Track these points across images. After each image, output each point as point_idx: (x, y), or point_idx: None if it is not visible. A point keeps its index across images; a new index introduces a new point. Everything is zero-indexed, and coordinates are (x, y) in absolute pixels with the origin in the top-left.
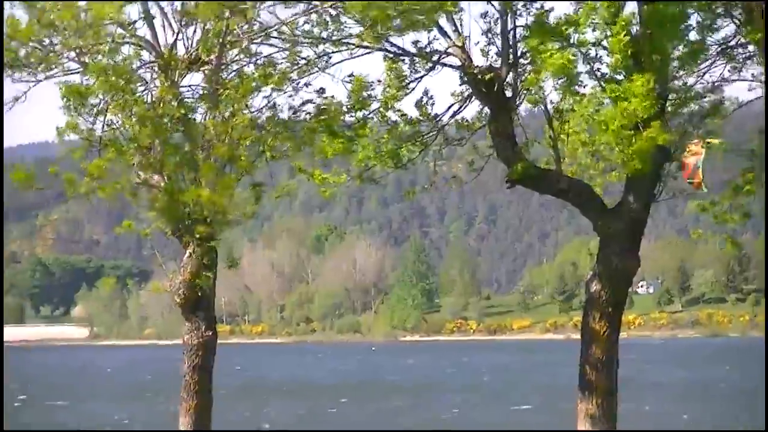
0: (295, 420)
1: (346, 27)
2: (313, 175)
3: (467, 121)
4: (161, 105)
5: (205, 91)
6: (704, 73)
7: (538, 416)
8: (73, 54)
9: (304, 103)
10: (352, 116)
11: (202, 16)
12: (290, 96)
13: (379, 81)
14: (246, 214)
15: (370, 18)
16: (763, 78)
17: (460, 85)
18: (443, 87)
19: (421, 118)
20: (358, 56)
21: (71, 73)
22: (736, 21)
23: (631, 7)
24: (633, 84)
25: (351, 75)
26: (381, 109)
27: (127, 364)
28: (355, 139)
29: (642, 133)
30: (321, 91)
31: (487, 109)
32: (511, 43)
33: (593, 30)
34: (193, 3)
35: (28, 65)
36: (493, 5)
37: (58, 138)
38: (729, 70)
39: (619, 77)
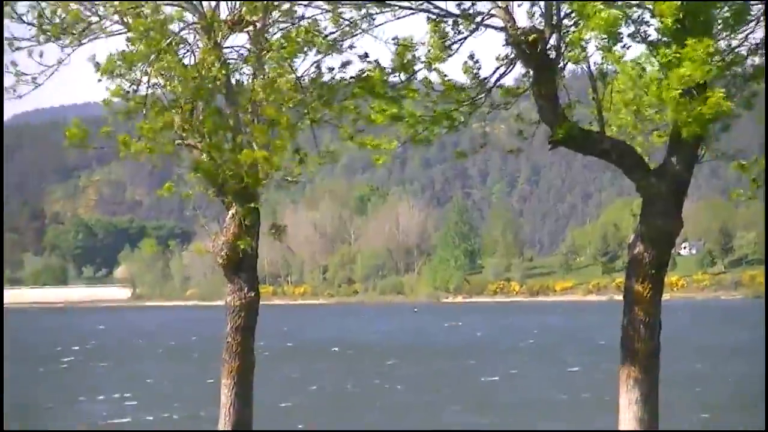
0: (342, 382)
1: None
2: (364, 142)
3: (511, 86)
4: (204, 67)
5: (250, 53)
6: (747, 35)
7: (588, 377)
8: (116, 17)
9: (344, 65)
10: (395, 77)
11: None
12: (332, 58)
13: (423, 43)
14: (293, 177)
15: None
16: None
17: (504, 46)
18: (486, 49)
19: (467, 81)
20: (401, 17)
21: (114, 35)
22: None
23: None
24: (691, 49)
25: (396, 37)
26: (425, 71)
27: (170, 325)
28: (400, 102)
29: (697, 98)
30: (365, 56)
31: (530, 72)
32: (554, 3)
33: None
34: None
35: (72, 30)
36: None
37: (105, 105)
38: None
39: (668, 42)
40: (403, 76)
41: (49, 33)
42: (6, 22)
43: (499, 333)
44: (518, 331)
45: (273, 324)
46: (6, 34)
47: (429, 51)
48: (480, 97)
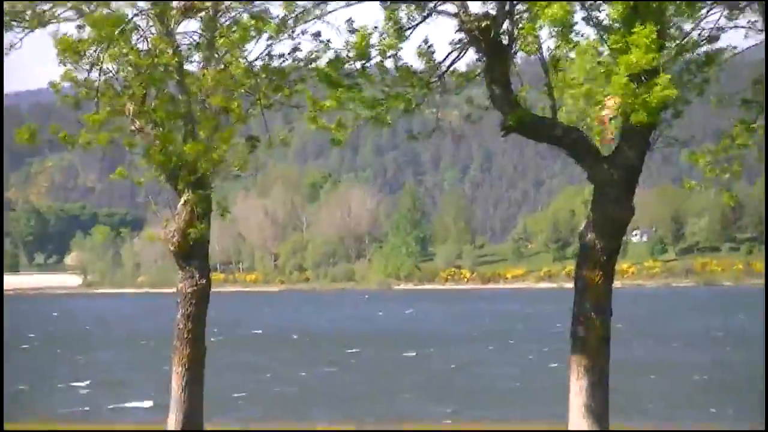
0: (296, 370)
1: None
2: (325, 125)
3: (463, 72)
4: (156, 54)
5: (201, 40)
6: (700, 21)
7: (541, 365)
8: (69, 4)
9: (294, 50)
10: (351, 65)
11: None
12: (279, 43)
13: (376, 28)
14: (241, 167)
15: None
16: (759, 26)
17: (456, 32)
18: (439, 35)
19: (421, 65)
20: (353, 4)
21: (67, 21)
22: None
23: None
24: (637, 35)
25: (350, 20)
26: (380, 57)
27: (122, 313)
28: (355, 88)
29: (645, 84)
30: (317, 34)
31: (483, 58)
32: None
33: None
34: None
35: (24, 17)
36: None
37: (54, 90)
38: (725, 17)
39: (618, 27)
40: (358, 64)
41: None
42: None
43: (452, 320)
44: (473, 318)
45: (226, 311)
46: None
47: (384, 38)
48: (433, 81)
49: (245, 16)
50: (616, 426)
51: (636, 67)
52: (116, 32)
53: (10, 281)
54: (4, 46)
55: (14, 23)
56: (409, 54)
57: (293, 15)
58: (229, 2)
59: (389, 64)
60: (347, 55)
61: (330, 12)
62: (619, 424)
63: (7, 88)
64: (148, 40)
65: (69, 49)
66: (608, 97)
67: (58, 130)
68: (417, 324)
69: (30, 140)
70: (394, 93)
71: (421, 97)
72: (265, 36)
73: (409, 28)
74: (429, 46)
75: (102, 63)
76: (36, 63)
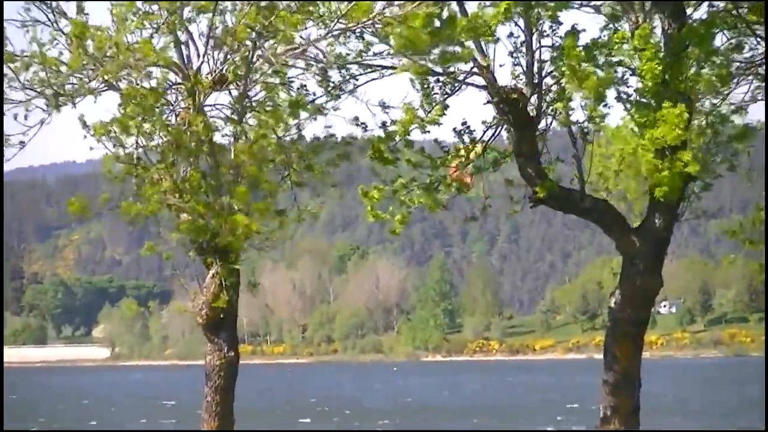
0: None
1: (372, 47)
2: (379, 216)
3: (500, 151)
4: (188, 128)
5: (232, 113)
6: (728, 94)
7: None
8: (101, 79)
9: (330, 136)
10: (393, 143)
11: (239, 35)
12: (313, 121)
13: (406, 104)
14: (274, 239)
15: (410, 50)
16: None
17: (485, 104)
18: (464, 108)
19: (457, 142)
20: (384, 77)
21: (100, 90)
22: (761, 38)
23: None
24: (666, 111)
25: (383, 103)
26: (419, 130)
27: (151, 386)
28: (394, 163)
29: (669, 159)
30: (355, 119)
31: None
32: (536, 63)
33: (622, 52)
34: (226, 26)
35: (61, 90)
36: (519, 26)
37: (105, 169)
38: (754, 90)
39: (647, 102)
40: (398, 139)
41: (38, 92)
42: None
43: (484, 391)
44: (514, 388)
45: (252, 383)
46: None
47: (425, 112)
48: (473, 160)
49: (281, 94)
50: None
51: (661, 143)
52: (154, 106)
53: (38, 353)
54: (35, 123)
55: (44, 101)
56: (440, 131)
57: (327, 91)
58: (258, 76)
59: (421, 139)
60: (388, 132)
61: (359, 86)
62: None
63: (35, 161)
64: (177, 114)
65: (105, 131)
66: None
67: (108, 202)
68: (463, 395)
69: (83, 211)
70: (444, 177)
71: (469, 177)
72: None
73: (440, 102)
74: (467, 126)
75: (138, 137)
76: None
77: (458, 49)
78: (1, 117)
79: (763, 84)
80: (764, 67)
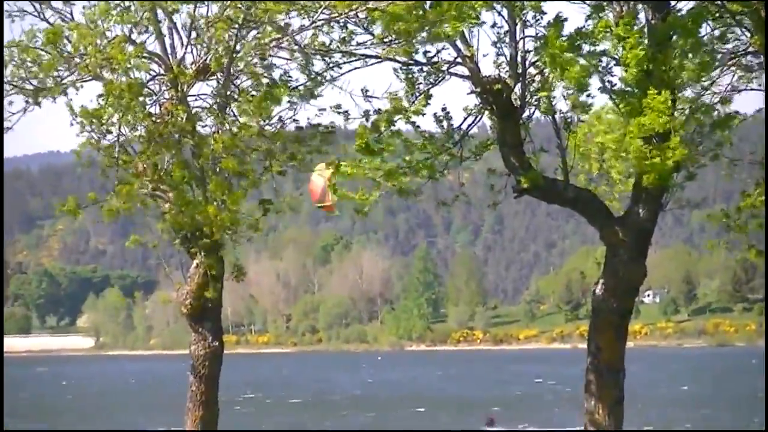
0: None
1: (355, 36)
2: (349, 196)
3: (482, 140)
4: (170, 119)
5: (214, 103)
6: (712, 83)
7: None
8: (83, 73)
9: (314, 125)
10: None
11: (219, 30)
12: (297, 109)
13: (390, 93)
14: (257, 229)
15: (395, 31)
16: None
17: (468, 94)
18: (453, 98)
19: (438, 130)
20: (368, 66)
21: (81, 82)
22: (746, 29)
23: (642, 21)
24: (652, 99)
25: (365, 90)
26: (403, 120)
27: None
28: (381, 155)
29: (657, 147)
30: (337, 106)
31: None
32: (519, 53)
33: (606, 41)
34: (209, 17)
35: (41, 88)
36: (502, 16)
37: (77, 157)
38: (737, 80)
39: (632, 91)
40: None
41: (20, 86)
42: None
43: (475, 383)
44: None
45: (236, 373)
46: None
47: (409, 103)
48: (451, 147)
49: (264, 81)
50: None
51: (649, 130)
52: (132, 101)
53: (22, 343)
54: (16, 110)
55: (26, 89)
56: (422, 119)
57: (310, 78)
58: (242, 66)
59: (404, 128)
60: (374, 123)
61: (343, 74)
62: None
63: (18, 152)
64: (160, 105)
65: (89, 118)
66: (323, 163)
67: (96, 200)
68: (444, 387)
69: (74, 212)
70: (416, 161)
71: (443, 164)
72: (281, 100)
73: (426, 91)
74: (447, 113)
75: (120, 128)
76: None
77: (447, 27)
78: (1, 112)
79: (747, 74)
80: (754, 57)
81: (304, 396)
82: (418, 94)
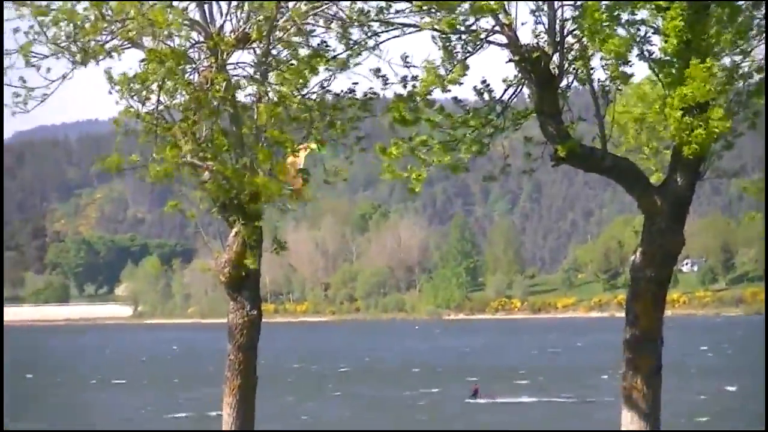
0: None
1: (393, 4)
2: (399, 174)
3: (521, 110)
4: (210, 88)
5: (255, 72)
6: (750, 51)
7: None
8: (123, 38)
9: (350, 91)
10: (414, 103)
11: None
12: (335, 78)
13: (428, 62)
14: (294, 200)
15: (440, 2)
16: None
17: (506, 63)
18: (483, 68)
19: (478, 102)
20: (406, 34)
21: (122, 48)
22: None
23: None
24: (694, 68)
25: (405, 56)
26: (440, 89)
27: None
28: (416, 124)
29: (698, 117)
30: (377, 70)
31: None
32: (557, 21)
33: (646, 9)
34: None
35: (86, 48)
36: None
37: (117, 126)
38: None
39: (671, 61)
40: (419, 100)
41: (64, 49)
42: (16, 36)
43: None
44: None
45: (277, 342)
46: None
47: (446, 71)
48: (493, 119)
49: (302, 51)
50: None
51: (690, 100)
52: (177, 66)
53: (61, 311)
54: (57, 77)
55: (66, 56)
56: (460, 90)
57: (349, 48)
58: (282, 34)
59: (441, 99)
60: (410, 92)
61: (381, 43)
62: None
63: (56, 120)
64: (200, 72)
65: (127, 85)
66: (301, 146)
67: (137, 162)
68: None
69: (116, 169)
70: (463, 136)
71: (489, 137)
72: (320, 69)
73: (463, 60)
74: (487, 85)
75: (159, 96)
76: (85, 94)
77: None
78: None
79: None
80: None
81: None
82: (455, 63)
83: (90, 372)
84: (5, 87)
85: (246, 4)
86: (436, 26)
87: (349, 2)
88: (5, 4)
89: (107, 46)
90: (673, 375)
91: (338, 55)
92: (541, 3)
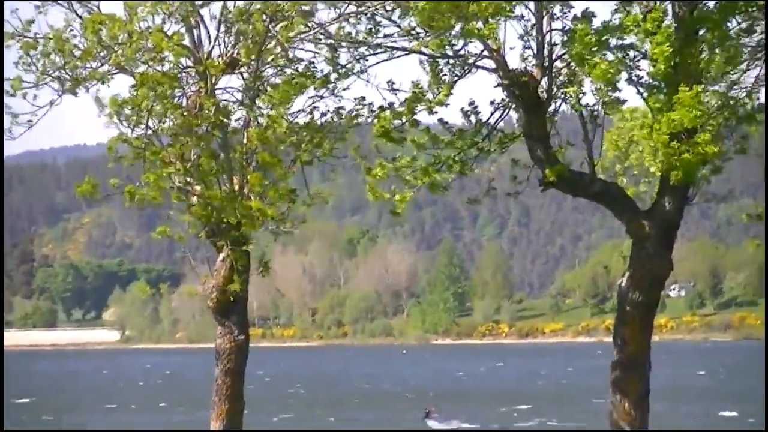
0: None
1: (382, 28)
2: (382, 195)
3: (508, 132)
4: (199, 112)
5: (243, 96)
6: (739, 78)
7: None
8: (114, 64)
9: (338, 109)
10: (400, 122)
11: (256, 23)
12: (322, 100)
13: (414, 84)
14: (297, 221)
15: (430, 26)
16: None
17: (495, 87)
18: (480, 91)
19: (465, 124)
20: (394, 58)
21: (111, 74)
22: None
23: (669, 17)
24: (682, 94)
25: (391, 82)
26: (426, 112)
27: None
28: (402, 144)
29: (686, 143)
30: (362, 98)
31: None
32: (546, 46)
33: (634, 34)
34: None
35: (74, 75)
36: (529, 9)
37: (109, 151)
38: (764, 73)
39: (659, 86)
40: (404, 119)
41: (51, 76)
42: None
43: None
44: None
45: (263, 367)
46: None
47: (433, 94)
48: (479, 142)
49: (288, 71)
50: None
51: (678, 125)
52: (168, 91)
53: (48, 336)
54: (44, 104)
55: (53, 82)
56: (447, 112)
57: (336, 72)
58: (270, 59)
59: (429, 122)
60: (395, 112)
61: (370, 66)
62: None
63: (44, 144)
64: (188, 97)
65: (117, 108)
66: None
67: (118, 186)
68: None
69: (93, 194)
70: (446, 156)
71: (472, 159)
72: (307, 92)
73: (450, 83)
74: (474, 106)
75: (148, 121)
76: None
77: (480, 25)
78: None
79: None
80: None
81: (357, 389)
82: (442, 86)
83: (85, 396)
84: None
85: (234, 28)
86: (424, 49)
87: (337, 25)
88: None
89: (99, 71)
90: (670, 400)
91: (325, 75)
92: (529, 28)
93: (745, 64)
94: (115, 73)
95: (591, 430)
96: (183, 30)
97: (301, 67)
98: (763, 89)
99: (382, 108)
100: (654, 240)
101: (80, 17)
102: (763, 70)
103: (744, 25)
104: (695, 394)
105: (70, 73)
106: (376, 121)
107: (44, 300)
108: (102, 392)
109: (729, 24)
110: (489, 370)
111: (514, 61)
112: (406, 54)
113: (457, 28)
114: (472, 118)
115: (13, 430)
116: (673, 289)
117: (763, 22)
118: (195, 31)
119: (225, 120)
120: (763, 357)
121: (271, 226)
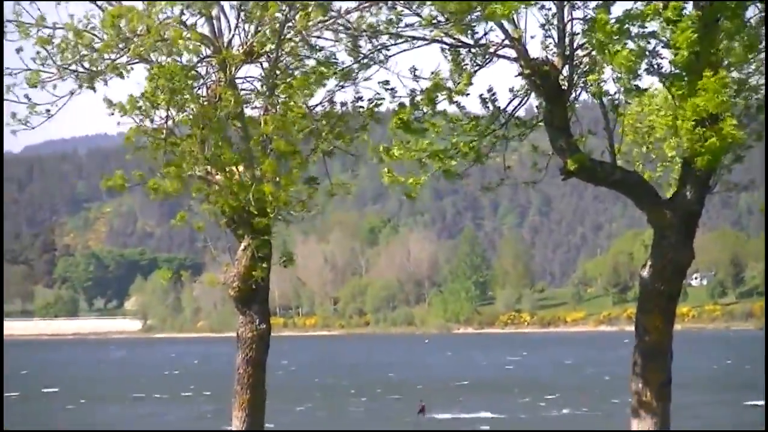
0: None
1: (403, 18)
2: (398, 180)
3: (526, 119)
4: (218, 102)
5: (262, 86)
6: (757, 67)
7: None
8: (133, 55)
9: (357, 99)
10: (419, 111)
11: (271, 9)
12: (343, 89)
13: (434, 73)
14: (304, 210)
15: (447, 11)
16: None
17: (516, 76)
18: (500, 79)
19: (483, 112)
20: (415, 47)
21: (130, 65)
22: None
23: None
24: (706, 80)
25: (413, 68)
26: (446, 103)
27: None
28: (423, 134)
29: (711, 129)
30: (385, 82)
31: (543, 103)
32: (567, 35)
33: (655, 22)
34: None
35: (94, 66)
36: None
37: (128, 143)
38: None
39: (681, 74)
40: (426, 109)
41: (70, 69)
42: (21, 55)
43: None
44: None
45: (286, 356)
46: (22, 67)
47: (454, 83)
48: (495, 129)
49: (310, 62)
50: None
51: (703, 111)
52: (185, 83)
53: (70, 325)
54: (64, 94)
55: (72, 73)
56: (468, 101)
57: (357, 62)
58: (289, 48)
59: (451, 110)
60: (415, 101)
61: (391, 56)
62: None
63: (65, 134)
64: (208, 87)
65: (134, 104)
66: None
67: (143, 178)
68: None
69: (120, 187)
70: (462, 143)
71: (489, 146)
72: (327, 82)
73: (471, 72)
74: (492, 94)
75: (168, 111)
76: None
77: (498, 6)
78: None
79: None
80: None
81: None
82: (463, 75)
83: (112, 386)
84: (10, 104)
85: (254, 17)
86: (445, 38)
87: (357, 14)
88: (9, 25)
89: (117, 62)
90: (693, 389)
91: (346, 67)
92: (550, 17)
93: (764, 53)
94: (135, 63)
95: (591, 429)
96: (203, 20)
97: (321, 57)
98: None
99: (402, 105)
100: (675, 229)
101: (102, 10)
102: None
103: (763, 14)
104: (721, 384)
105: (89, 67)
106: (394, 114)
107: (66, 289)
108: (127, 381)
109: (747, 13)
110: (513, 361)
111: (535, 51)
112: (427, 43)
113: (476, 13)
114: (490, 106)
115: (13, 430)
116: (695, 278)
117: None
118: (215, 21)
119: (243, 109)
120: None
121: (283, 212)
